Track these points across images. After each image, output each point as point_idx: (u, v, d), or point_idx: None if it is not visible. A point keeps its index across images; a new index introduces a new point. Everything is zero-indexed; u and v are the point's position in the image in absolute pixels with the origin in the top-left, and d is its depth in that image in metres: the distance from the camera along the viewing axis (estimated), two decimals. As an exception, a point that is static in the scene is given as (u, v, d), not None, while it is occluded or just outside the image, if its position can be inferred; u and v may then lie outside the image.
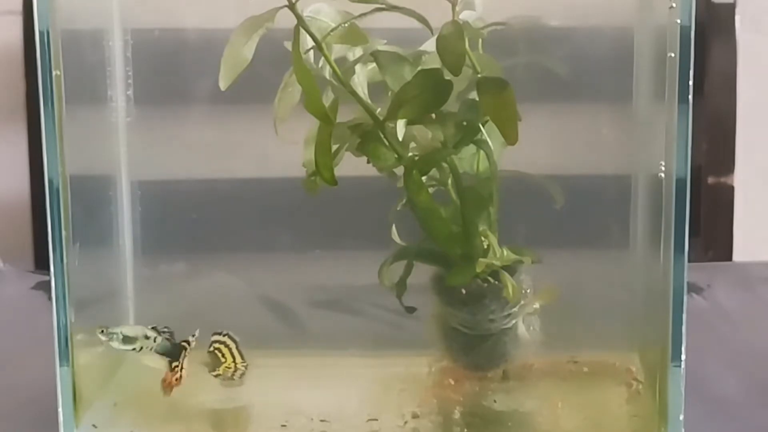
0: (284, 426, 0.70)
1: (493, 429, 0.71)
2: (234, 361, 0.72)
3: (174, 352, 0.71)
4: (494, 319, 0.71)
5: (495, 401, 0.73)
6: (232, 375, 0.72)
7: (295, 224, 0.81)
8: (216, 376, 0.72)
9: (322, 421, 0.71)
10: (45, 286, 0.95)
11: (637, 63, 0.76)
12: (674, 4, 0.64)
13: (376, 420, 0.71)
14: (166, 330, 0.71)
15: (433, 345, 0.74)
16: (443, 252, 0.72)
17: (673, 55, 0.64)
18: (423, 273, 0.73)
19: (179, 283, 0.81)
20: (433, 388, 0.74)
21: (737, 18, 1.15)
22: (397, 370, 0.76)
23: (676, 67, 0.64)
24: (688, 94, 0.64)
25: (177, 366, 0.70)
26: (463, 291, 0.71)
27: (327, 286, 0.82)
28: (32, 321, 0.92)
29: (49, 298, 0.68)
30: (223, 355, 0.72)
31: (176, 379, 0.70)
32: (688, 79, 0.64)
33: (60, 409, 0.69)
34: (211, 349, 0.72)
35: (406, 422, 0.70)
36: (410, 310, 0.74)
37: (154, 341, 0.70)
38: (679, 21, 0.63)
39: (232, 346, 0.72)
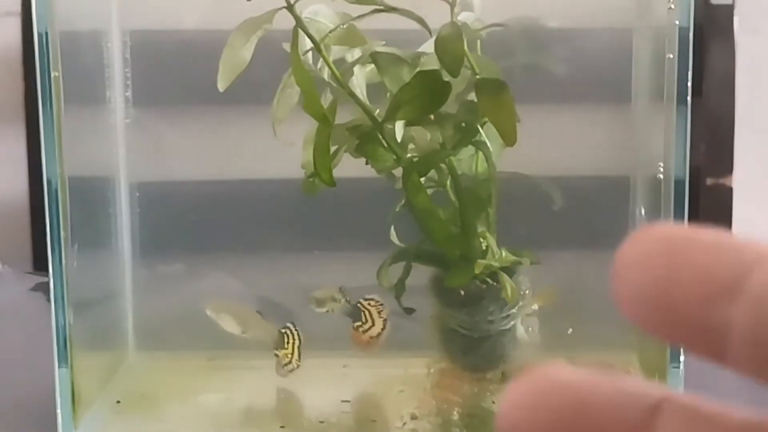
0: (283, 428, 0.70)
1: (492, 430, 0.71)
2: (292, 353, 0.73)
3: (355, 314, 0.74)
4: (493, 320, 0.71)
5: (494, 402, 0.73)
6: (286, 365, 0.73)
7: (294, 225, 0.81)
8: (276, 355, 0.73)
9: (320, 422, 0.71)
10: (44, 288, 0.95)
11: (635, 64, 0.76)
12: (673, 6, 0.64)
13: (375, 421, 0.71)
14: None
15: (431, 346, 0.74)
16: (442, 253, 0.72)
17: (671, 56, 0.64)
18: (422, 274, 0.73)
19: (178, 285, 0.81)
20: (432, 390, 0.74)
21: (736, 19, 1.15)
22: (396, 371, 0.76)
23: (675, 68, 0.64)
24: (687, 95, 0.64)
25: (359, 326, 0.73)
26: (462, 292, 0.71)
27: (326, 287, 0.82)
28: (31, 322, 0.92)
29: (48, 300, 0.68)
30: (287, 342, 0.73)
31: (372, 337, 0.73)
32: (687, 80, 0.64)
33: (59, 411, 0.68)
34: (283, 329, 0.73)
35: (404, 423, 0.70)
36: (409, 311, 0.74)
37: (341, 303, 0.74)
38: (677, 22, 0.64)
39: (297, 341, 0.73)
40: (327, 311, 0.74)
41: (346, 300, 0.74)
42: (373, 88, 0.70)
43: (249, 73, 0.67)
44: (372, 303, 0.74)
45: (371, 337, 0.73)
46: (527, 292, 0.73)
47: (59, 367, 0.68)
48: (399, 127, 0.69)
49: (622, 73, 0.76)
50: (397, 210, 0.73)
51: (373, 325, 0.73)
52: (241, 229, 0.81)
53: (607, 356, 0.77)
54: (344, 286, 0.74)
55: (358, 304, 0.74)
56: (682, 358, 0.66)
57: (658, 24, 0.66)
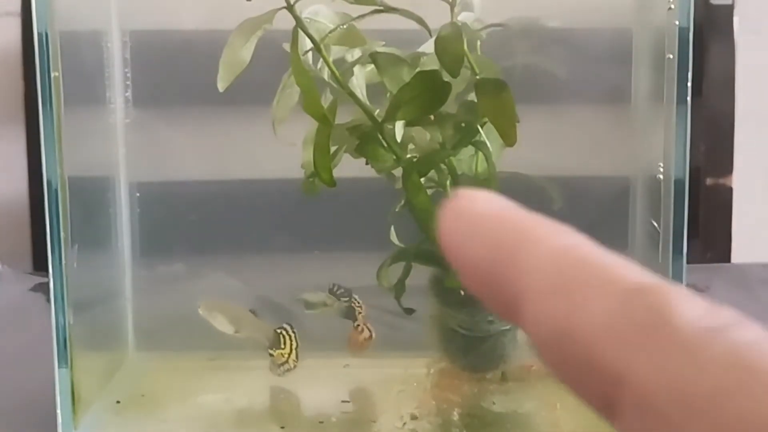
0: (283, 428, 0.70)
1: (492, 430, 0.71)
2: (289, 354, 0.73)
3: (350, 313, 0.74)
4: (493, 320, 0.71)
5: (494, 402, 0.73)
6: (282, 365, 0.73)
7: (294, 226, 0.81)
8: (270, 355, 0.73)
9: (320, 422, 0.71)
10: (43, 288, 0.95)
11: (635, 64, 0.76)
12: (673, 6, 0.64)
13: (375, 421, 0.71)
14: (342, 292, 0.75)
15: (431, 346, 0.74)
16: (442, 253, 0.71)
17: (671, 56, 0.64)
18: (421, 274, 0.73)
19: (178, 285, 0.81)
20: (431, 390, 0.74)
21: (736, 19, 1.15)
22: (396, 372, 0.76)
23: (675, 68, 0.64)
24: (687, 95, 0.64)
25: (358, 326, 0.74)
26: (462, 292, 0.71)
27: (326, 287, 0.82)
28: (31, 322, 0.92)
29: (48, 300, 0.68)
30: (283, 342, 0.73)
31: (366, 339, 0.74)
32: (687, 81, 0.64)
33: (59, 411, 0.68)
34: (279, 330, 0.74)
35: (404, 423, 0.70)
36: (409, 311, 0.74)
37: (334, 306, 0.75)
38: (677, 22, 0.64)
39: (294, 343, 0.74)
40: (319, 312, 0.74)
41: (341, 300, 0.74)
42: (373, 88, 0.70)
43: (249, 73, 0.67)
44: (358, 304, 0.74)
45: (365, 339, 0.74)
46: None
47: (59, 367, 0.68)
48: (399, 127, 0.69)
49: (622, 73, 0.76)
50: (397, 210, 0.73)
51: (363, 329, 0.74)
52: (241, 229, 0.81)
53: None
54: (335, 284, 0.75)
55: (353, 303, 0.74)
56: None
57: (658, 24, 0.66)
